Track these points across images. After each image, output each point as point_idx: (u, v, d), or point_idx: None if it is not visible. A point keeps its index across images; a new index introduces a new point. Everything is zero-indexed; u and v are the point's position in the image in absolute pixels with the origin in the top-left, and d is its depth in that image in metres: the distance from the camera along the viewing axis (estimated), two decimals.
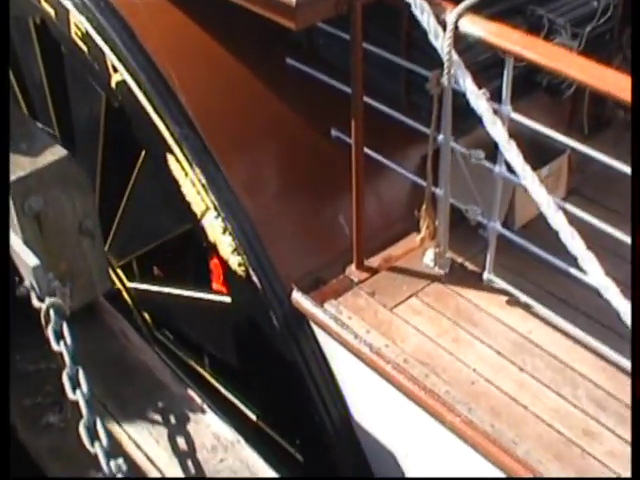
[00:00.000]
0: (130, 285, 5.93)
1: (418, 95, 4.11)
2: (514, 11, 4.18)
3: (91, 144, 5.48)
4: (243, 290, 4.57)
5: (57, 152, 3.95)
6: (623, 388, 3.79)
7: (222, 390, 5.67)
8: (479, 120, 3.58)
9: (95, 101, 5.21)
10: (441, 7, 3.58)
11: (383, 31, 4.14)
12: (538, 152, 3.87)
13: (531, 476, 3.53)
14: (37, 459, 3.99)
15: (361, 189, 4.23)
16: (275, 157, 4.74)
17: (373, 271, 4.48)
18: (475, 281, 4.37)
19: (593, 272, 3.37)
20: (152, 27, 4.64)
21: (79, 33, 4.77)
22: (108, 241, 5.66)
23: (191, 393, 4.05)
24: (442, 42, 3.56)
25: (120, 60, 4.59)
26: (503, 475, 3.64)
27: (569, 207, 3.64)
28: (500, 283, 4.27)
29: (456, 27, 3.51)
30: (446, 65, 3.61)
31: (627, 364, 3.74)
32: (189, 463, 3.71)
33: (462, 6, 3.52)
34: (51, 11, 4.96)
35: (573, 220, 3.50)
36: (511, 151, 3.53)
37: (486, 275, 4.32)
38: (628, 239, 3.23)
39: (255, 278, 4.43)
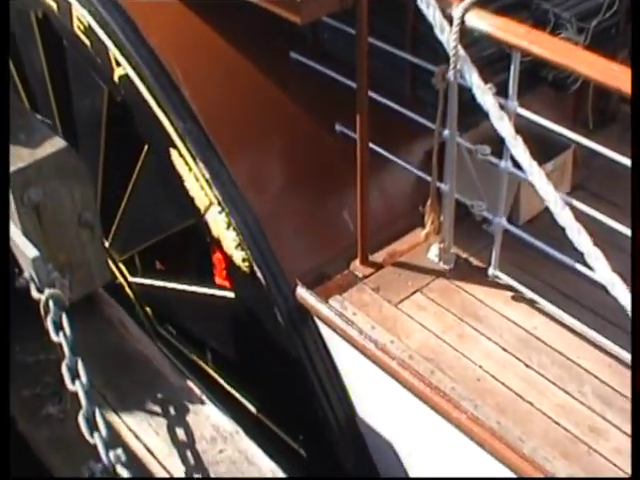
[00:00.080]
0: (132, 280, 5.91)
1: (424, 90, 4.09)
2: (520, 5, 4.15)
3: (93, 138, 5.45)
4: (247, 285, 4.55)
5: (56, 143, 3.92)
6: (629, 384, 3.75)
7: (225, 385, 5.65)
8: (484, 115, 3.56)
9: (97, 95, 5.17)
10: (447, 1, 3.55)
11: (389, 25, 4.12)
12: (543, 147, 3.84)
13: (540, 476, 3.52)
14: (36, 450, 3.98)
15: (366, 184, 4.21)
16: (279, 152, 4.72)
17: (378, 266, 4.47)
18: (480, 277, 4.35)
19: (600, 268, 3.35)
20: (155, 21, 4.63)
21: (81, 27, 4.75)
22: (110, 235, 5.65)
23: (190, 384, 4.04)
24: (448, 37, 3.54)
25: (123, 54, 4.57)
26: (509, 472, 3.63)
27: (576, 203, 3.62)
28: (505, 279, 4.25)
29: (462, 22, 3.49)
30: (452, 60, 3.59)
31: None
32: (188, 454, 3.71)
33: (468, 0, 3.50)
34: (53, 4, 4.94)
35: (578, 215, 3.47)
36: (518, 147, 3.50)
37: (491, 271, 4.30)
38: None
39: (259, 274, 4.41)
